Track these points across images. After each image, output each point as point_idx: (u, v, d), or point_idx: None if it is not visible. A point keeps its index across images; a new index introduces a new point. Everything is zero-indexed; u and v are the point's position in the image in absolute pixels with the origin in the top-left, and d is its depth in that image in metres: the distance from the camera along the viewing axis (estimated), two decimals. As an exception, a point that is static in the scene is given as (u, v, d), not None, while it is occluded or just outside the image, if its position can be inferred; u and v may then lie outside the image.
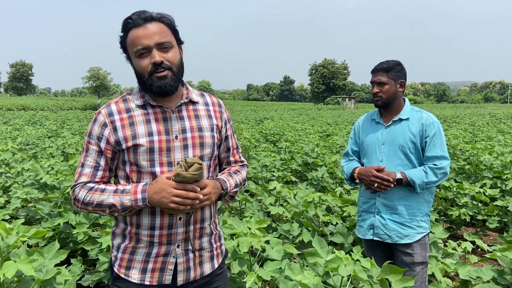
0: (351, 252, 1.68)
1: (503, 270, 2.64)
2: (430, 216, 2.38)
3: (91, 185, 1.42)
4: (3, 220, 3.13)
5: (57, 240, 2.97)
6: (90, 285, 2.88)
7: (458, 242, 3.45)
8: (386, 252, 2.40)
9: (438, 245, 3.05)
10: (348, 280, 1.61)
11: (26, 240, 2.17)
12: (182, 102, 1.47)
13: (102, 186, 1.42)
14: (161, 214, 1.41)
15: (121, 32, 1.40)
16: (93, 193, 1.40)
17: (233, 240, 2.28)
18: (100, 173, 1.44)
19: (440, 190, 4.82)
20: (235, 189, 1.57)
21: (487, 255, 2.80)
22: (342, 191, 4.38)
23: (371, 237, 2.38)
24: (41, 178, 4.21)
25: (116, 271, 1.47)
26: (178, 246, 1.45)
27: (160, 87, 1.37)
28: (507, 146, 8.28)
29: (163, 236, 1.42)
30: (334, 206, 3.84)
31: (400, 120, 2.35)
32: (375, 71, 2.37)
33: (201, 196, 1.34)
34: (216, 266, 1.57)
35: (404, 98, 2.42)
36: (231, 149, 1.65)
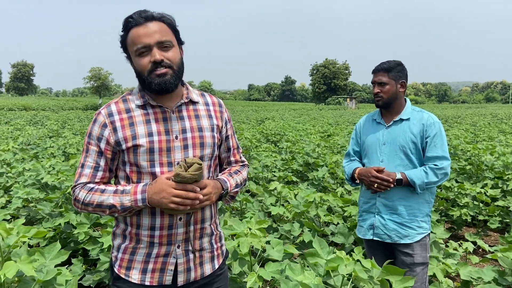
0: (352, 252, 1.67)
1: (504, 271, 2.63)
2: (431, 217, 2.38)
3: (91, 185, 1.42)
4: (4, 220, 3.14)
5: (58, 240, 2.98)
6: (91, 285, 2.89)
7: (459, 242, 3.44)
8: (386, 252, 2.40)
9: (440, 245, 3.05)
10: (349, 280, 1.60)
11: (26, 241, 2.17)
12: (182, 102, 1.47)
13: (102, 186, 1.42)
14: (161, 215, 1.41)
15: (122, 31, 1.40)
16: (93, 193, 1.40)
17: (234, 240, 2.28)
18: (100, 174, 1.44)
19: (441, 190, 4.82)
20: (236, 189, 1.56)
21: (488, 256, 2.80)
22: (343, 191, 4.38)
23: (371, 237, 2.38)
24: (42, 178, 4.21)
25: (117, 271, 1.47)
26: (178, 247, 1.44)
27: (160, 84, 1.37)
28: (508, 147, 8.27)
29: (163, 237, 1.42)
30: (335, 206, 3.84)
31: (401, 120, 2.35)
32: (376, 71, 2.37)
33: (201, 196, 1.34)
34: (217, 266, 1.56)
35: (405, 98, 2.41)
36: (232, 149, 1.64)
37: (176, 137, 1.42)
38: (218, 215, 1.63)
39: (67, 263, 3.05)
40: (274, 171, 5.97)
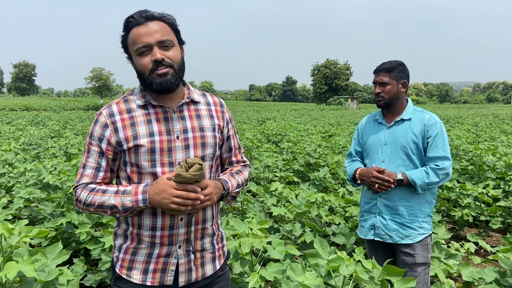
0: (353, 253, 1.67)
1: (505, 272, 2.63)
2: (432, 217, 2.38)
3: (93, 186, 1.42)
4: (5, 220, 3.14)
5: (60, 240, 2.98)
6: (93, 285, 2.89)
7: (461, 243, 3.44)
8: (388, 252, 2.40)
9: (441, 245, 3.04)
10: (350, 280, 1.60)
11: (28, 241, 2.17)
12: (184, 102, 1.47)
13: (104, 187, 1.42)
14: (162, 215, 1.41)
15: (123, 31, 1.41)
16: (95, 194, 1.40)
17: (235, 240, 2.28)
18: (101, 174, 1.44)
19: (443, 191, 4.81)
20: (237, 190, 1.56)
21: (490, 256, 2.79)
22: (345, 191, 4.38)
23: (372, 237, 2.38)
24: (43, 178, 4.22)
25: (118, 271, 1.47)
26: (179, 247, 1.44)
27: (161, 84, 1.37)
28: (510, 147, 8.25)
29: (164, 237, 1.42)
30: (336, 207, 3.83)
31: (402, 120, 2.34)
32: (377, 71, 2.37)
33: (202, 197, 1.34)
34: (218, 267, 1.56)
35: (407, 99, 2.41)
36: (233, 149, 1.64)
37: (178, 137, 1.42)
38: (220, 216, 1.63)
39: (69, 263, 3.05)
40: (275, 172, 5.97)
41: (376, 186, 2.26)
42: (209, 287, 1.53)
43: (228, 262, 2.20)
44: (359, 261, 1.59)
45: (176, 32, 1.44)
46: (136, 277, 1.44)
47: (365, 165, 2.48)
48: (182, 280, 1.45)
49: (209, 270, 1.52)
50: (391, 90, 2.32)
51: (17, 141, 8.41)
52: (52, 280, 2.00)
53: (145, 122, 1.41)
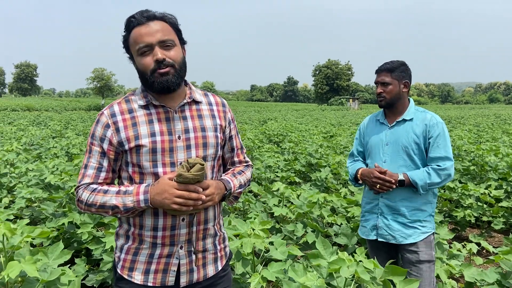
0: (354, 253, 1.67)
1: (507, 273, 2.62)
2: (434, 217, 2.37)
3: (94, 186, 1.42)
4: (7, 220, 3.15)
5: (61, 240, 2.98)
6: (94, 285, 2.89)
7: (463, 243, 3.42)
8: (390, 252, 2.39)
9: (443, 246, 3.03)
10: (352, 281, 1.60)
11: (30, 240, 2.18)
12: (185, 102, 1.46)
13: (105, 187, 1.41)
14: (164, 215, 1.41)
15: (124, 31, 1.40)
16: (96, 194, 1.40)
17: (237, 240, 2.28)
18: (103, 175, 1.44)
19: (444, 191, 4.80)
20: (239, 190, 1.56)
21: (492, 257, 2.78)
22: (347, 191, 4.37)
23: (374, 238, 2.37)
24: (45, 178, 4.23)
25: (119, 272, 1.47)
26: (181, 248, 1.44)
27: (162, 83, 1.37)
28: (512, 147, 8.22)
29: (166, 237, 1.42)
30: (338, 207, 3.83)
31: (404, 120, 2.34)
32: (379, 71, 2.37)
33: (204, 197, 1.33)
34: (220, 268, 1.56)
35: (409, 99, 2.41)
36: (235, 149, 1.64)
37: (179, 137, 1.42)
38: (222, 216, 1.62)
39: (70, 262, 3.05)
40: (277, 172, 5.96)
41: (377, 187, 2.26)
42: None
43: (230, 263, 2.20)
44: (360, 261, 1.59)
45: (178, 32, 1.43)
46: (137, 277, 1.44)
47: (367, 165, 2.47)
48: (183, 280, 1.45)
49: (211, 271, 1.52)
50: (392, 90, 2.31)
51: (18, 141, 8.42)
52: (54, 280, 2.00)
53: (146, 122, 1.41)
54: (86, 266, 2.94)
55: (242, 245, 2.16)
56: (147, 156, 1.39)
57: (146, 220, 1.42)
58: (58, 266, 2.10)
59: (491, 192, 4.52)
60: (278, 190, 4.03)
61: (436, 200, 2.40)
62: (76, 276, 2.16)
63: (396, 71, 2.31)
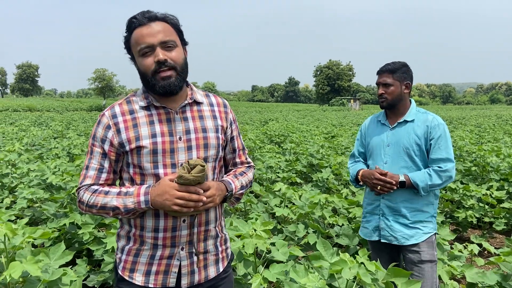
0: (356, 255, 1.67)
1: (507, 275, 2.61)
2: (436, 218, 2.37)
3: (95, 187, 1.42)
4: (9, 220, 3.15)
5: (62, 240, 2.98)
6: (95, 286, 2.89)
7: (464, 244, 3.42)
8: (392, 253, 2.39)
9: (443, 246, 3.03)
10: (354, 282, 1.60)
11: (31, 241, 2.18)
12: (186, 102, 1.46)
13: (106, 188, 1.41)
14: (164, 217, 1.40)
15: (126, 31, 1.40)
16: (97, 195, 1.40)
17: (239, 241, 2.28)
18: (104, 176, 1.44)
19: (446, 192, 4.79)
20: (241, 191, 1.55)
21: (492, 258, 2.78)
22: (348, 192, 4.37)
23: (377, 239, 2.37)
24: (47, 179, 4.23)
25: (121, 273, 1.47)
26: (182, 249, 1.44)
27: (164, 87, 1.36)
28: (514, 148, 8.20)
29: (167, 239, 1.42)
30: (340, 208, 3.82)
31: (405, 122, 2.33)
32: (380, 72, 2.36)
33: (204, 198, 1.33)
34: (221, 269, 1.55)
35: (410, 100, 2.40)
36: (237, 150, 1.63)
37: (180, 138, 1.42)
38: (223, 218, 1.62)
39: (72, 263, 3.05)
40: (278, 172, 5.96)
41: (378, 188, 2.26)
42: (212, 289, 1.52)
43: (232, 263, 2.20)
44: (362, 263, 1.59)
45: (179, 33, 1.43)
46: (138, 278, 1.43)
47: (368, 166, 2.47)
48: (184, 282, 1.45)
49: (212, 272, 1.51)
50: (394, 91, 2.31)
51: (20, 142, 8.43)
52: (56, 280, 2.01)
53: (147, 123, 1.41)
54: (87, 267, 2.95)
55: (244, 246, 2.15)
56: (148, 157, 1.39)
57: (147, 222, 1.42)
58: (59, 267, 2.10)
59: (492, 193, 4.51)
60: (279, 190, 4.03)
61: (438, 201, 2.39)
62: (77, 276, 2.16)
63: (397, 72, 2.31)
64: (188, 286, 1.46)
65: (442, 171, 2.21)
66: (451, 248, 3.31)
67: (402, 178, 2.22)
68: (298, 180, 5.56)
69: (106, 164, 1.43)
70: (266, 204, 4.22)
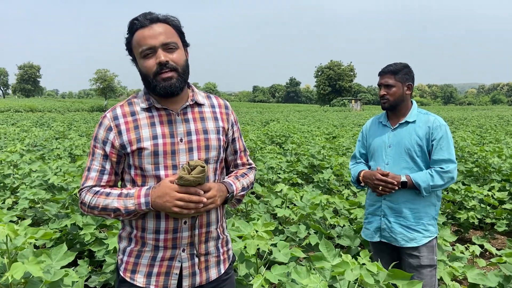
0: (357, 256, 1.66)
1: (509, 276, 2.60)
2: (437, 220, 2.36)
3: (97, 189, 1.42)
4: (11, 221, 3.16)
5: (64, 241, 2.99)
6: (97, 286, 2.89)
7: (466, 245, 3.41)
8: (393, 255, 2.39)
9: (442, 247, 3.03)
10: (356, 284, 1.59)
11: (33, 242, 2.18)
12: (188, 104, 1.46)
13: (108, 190, 1.42)
14: (166, 218, 1.40)
15: (127, 33, 1.41)
16: (98, 197, 1.40)
17: (240, 241, 2.28)
18: (105, 177, 1.44)
19: (448, 193, 4.78)
20: (242, 193, 1.55)
21: (494, 259, 2.77)
22: (349, 193, 4.37)
23: (378, 239, 2.37)
24: (48, 179, 4.24)
25: (122, 274, 1.47)
26: (183, 250, 1.44)
27: (165, 88, 1.37)
28: (515, 149, 8.18)
29: (168, 240, 1.42)
30: (341, 209, 3.82)
31: (407, 123, 2.33)
32: (382, 74, 2.36)
33: (205, 200, 1.33)
34: (223, 271, 1.55)
35: (412, 101, 2.40)
36: (239, 151, 1.63)
37: (181, 140, 1.42)
38: (225, 219, 1.62)
39: (73, 264, 3.06)
40: (279, 173, 5.96)
41: (380, 189, 2.26)
42: (213, 291, 1.52)
43: (234, 264, 2.20)
44: (363, 264, 1.58)
45: (181, 35, 1.43)
46: (139, 280, 1.44)
47: (369, 167, 2.47)
48: (186, 284, 1.45)
49: (213, 274, 1.51)
50: (396, 93, 2.31)
51: (22, 142, 8.45)
52: (57, 281, 2.01)
53: (148, 125, 1.41)
54: (89, 268, 2.95)
55: (245, 247, 2.15)
56: (149, 158, 1.39)
57: (149, 223, 1.42)
58: (61, 268, 2.11)
59: (494, 194, 4.50)
60: (281, 191, 4.03)
61: (440, 203, 2.39)
62: (79, 277, 2.16)
63: (399, 73, 2.31)
64: (190, 287, 1.46)
65: (444, 172, 2.21)
66: (453, 249, 3.31)
67: (403, 179, 2.22)
68: (299, 181, 5.55)
69: (108, 166, 1.44)
70: (267, 204, 4.22)
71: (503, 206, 4.58)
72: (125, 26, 1.42)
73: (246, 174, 1.61)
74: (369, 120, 2.60)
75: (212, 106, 1.54)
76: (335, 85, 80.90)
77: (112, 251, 2.89)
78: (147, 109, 1.44)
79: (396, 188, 2.22)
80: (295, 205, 3.88)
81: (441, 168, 2.22)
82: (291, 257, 2.45)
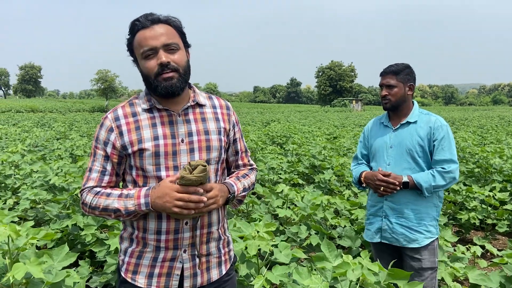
0: (358, 256, 1.66)
1: (511, 277, 2.60)
2: (438, 221, 2.36)
3: (98, 189, 1.43)
4: (12, 222, 3.16)
5: (66, 242, 2.99)
6: (98, 287, 2.89)
7: (467, 246, 3.41)
8: (394, 255, 2.39)
9: (444, 248, 3.02)
10: (357, 284, 1.59)
11: (35, 242, 2.18)
12: (189, 105, 1.46)
13: (108, 190, 1.42)
14: (167, 219, 1.40)
15: (129, 34, 1.41)
16: (99, 197, 1.40)
17: (241, 242, 2.28)
18: (106, 178, 1.44)
19: (449, 194, 4.78)
20: (243, 193, 1.55)
21: (495, 260, 2.77)
22: (350, 194, 4.36)
23: (379, 240, 2.37)
24: (49, 180, 4.24)
25: (123, 275, 1.47)
26: (184, 251, 1.44)
27: (166, 88, 1.37)
28: (516, 149, 8.17)
29: (169, 241, 1.42)
30: (342, 209, 3.82)
31: (408, 123, 2.33)
32: (384, 74, 2.36)
33: (205, 199, 1.32)
34: (224, 272, 1.55)
35: (413, 101, 2.40)
36: (240, 152, 1.63)
37: (182, 141, 1.42)
38: (226, 220, 1.61)
39: (74, 264, 3.06)
40: (280, 174, 5.96)
41: (381, 189, 2.25)
42: (214, 292, 1.52)
43: (235, 265, 2.20)
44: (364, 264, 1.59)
45: (182, 35, 1.43)
46: (141, 281, 1.44)
47: (371, 168, 2.47)
48: (187, 285, 1.45)
49: (214, 275, 1.51)
50: (398, 93, 2.31)
51: (23, 143, 8.46)
52: (59, 282, 2.01)
53: (149, 126, 1.41)
54: (90, 268, 2.95)
55: (246, 247, 2.15)
56: (150, 159, 1.39)
57: (150, 224, 1.42)
58: (63, 268, 2.11)
59: (495, 195, 4.50)
60: (282, 191, 4.02)
61: (442, 204, 2.39)
62: (80, 278, 2.16)
63: (401, 73, 2.31)
64: (191, 288, 1.46)
65: (446, 172, 2.21)
66: (454, 250, 3.31)
67: (405, 179, 2.22)
68: (300, 181, 5.55)
69: (109, 167, 1.44)
70: (268, 205, 4.22)
71: (504, 207, 4.57)
72: (126, 26, 1.42)
73: (247, 175, 1.61)
74: (371, 121, 2.60)
75: (214, 107, 1.54)
76: (336, 86, 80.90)
77: (113, 252, 2.89)
78: (149, 110, 1.44)
79: (398, 188, 2.22)
80: (296, 205, 3.88)
81: (443, 168, 2.21)
82: (292, 257, 2.45)
